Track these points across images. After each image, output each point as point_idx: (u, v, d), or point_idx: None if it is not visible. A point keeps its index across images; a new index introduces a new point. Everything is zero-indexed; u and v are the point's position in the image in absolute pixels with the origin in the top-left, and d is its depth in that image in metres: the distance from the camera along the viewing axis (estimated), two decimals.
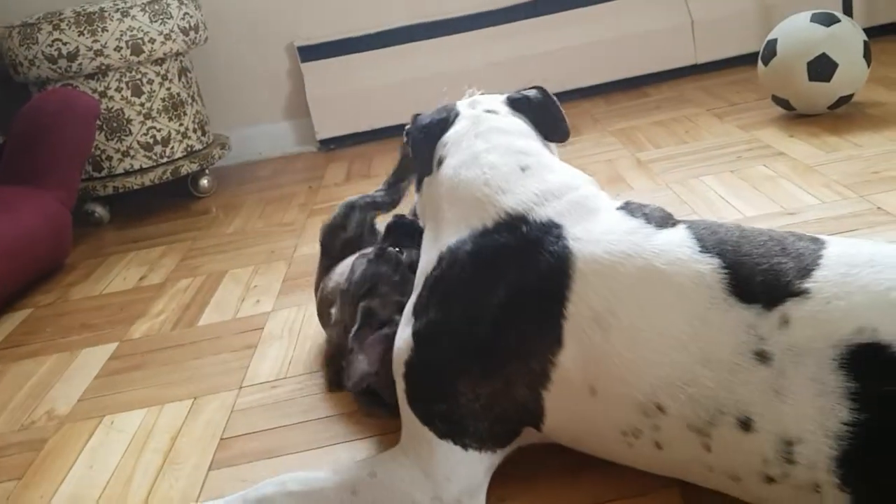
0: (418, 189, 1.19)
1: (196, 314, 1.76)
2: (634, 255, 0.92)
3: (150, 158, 2.56)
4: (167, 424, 1.35)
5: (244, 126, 3.11)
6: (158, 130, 2.57)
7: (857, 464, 0.79)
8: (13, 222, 1.98)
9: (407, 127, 1.22)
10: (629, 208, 1.01)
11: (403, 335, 1.03)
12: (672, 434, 0.89)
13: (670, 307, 0.88)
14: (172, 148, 2.60)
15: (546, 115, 1.21)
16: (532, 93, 1.23)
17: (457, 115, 1.18)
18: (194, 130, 2.68)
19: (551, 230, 0.97)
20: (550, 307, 0.93)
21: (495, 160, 1.07)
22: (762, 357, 0.83)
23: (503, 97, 1.23)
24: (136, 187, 2.53)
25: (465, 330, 0.97)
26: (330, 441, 1.21)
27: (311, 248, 1.99)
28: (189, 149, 2.66)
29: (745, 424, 0.83)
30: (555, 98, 1.23)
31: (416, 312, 1.02)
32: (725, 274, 0.87)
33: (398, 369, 1.03)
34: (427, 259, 1.06)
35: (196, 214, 2.56)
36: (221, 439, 1.27)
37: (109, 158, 2.52)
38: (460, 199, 1.05)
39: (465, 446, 0.99)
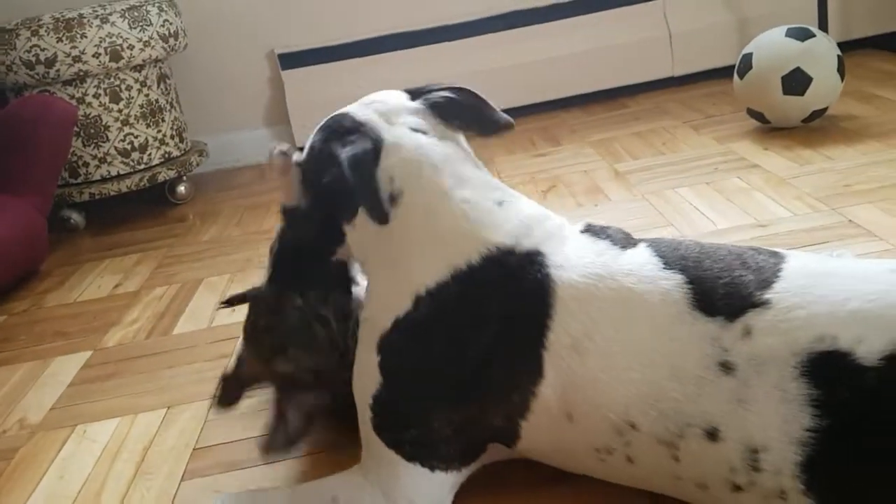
0: (350, 222, 1.05)
1: (171, 323, 1.75)
2: (606, 276, 0.93)
3: (127, 165, 2.55)
4: (140, 434, 1.34)
5: (223, 133, 3.10)
6: (136, 137, 2.55)
7: (820, 469, 0.81)
8: None
9: (326, 169, 1.03)
10: (592, 231, 1.02)
11: (367, 366, 1.00)
12: (643, 449, 0.90)
13: (640, 325, 0.89)
14: (150, 154, 2.59)
15: (479, 112, 1.10)
16: (451, 94, 1.10)
17: (382, 141, 1.03)
18: (172, 137, 2.66)
19: (535, 258, 0.97)
20: (532, 339, 0.93)
21: (470, 195, 1.01)
22: (726, 368, 0.84)
23: (414, 105, 1.08)
24: (112, 193, 2.52)
25: (446, 371, 0.96)
26: (304, 452, 1.21)
27: None
28: (167, 155, 2.64)
29: (712, 435, 0.85)
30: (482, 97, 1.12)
31: (383, 348, 0.99)
32: (689, 289, 0.89)
33: (363, 399, 1.01)
34: (390, 301, 0.99)
35: (173, 221, 2.55)
36: (194, 449, 1.26)
37: (86, 165, 2.51)
38: (436, 236, 1.00)
39: (432, 468, 0.98)
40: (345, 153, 0.99)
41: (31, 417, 1.45)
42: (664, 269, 0.92)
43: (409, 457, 0.97)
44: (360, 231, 1.05)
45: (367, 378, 1.00)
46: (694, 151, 2.31)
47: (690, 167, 2.18)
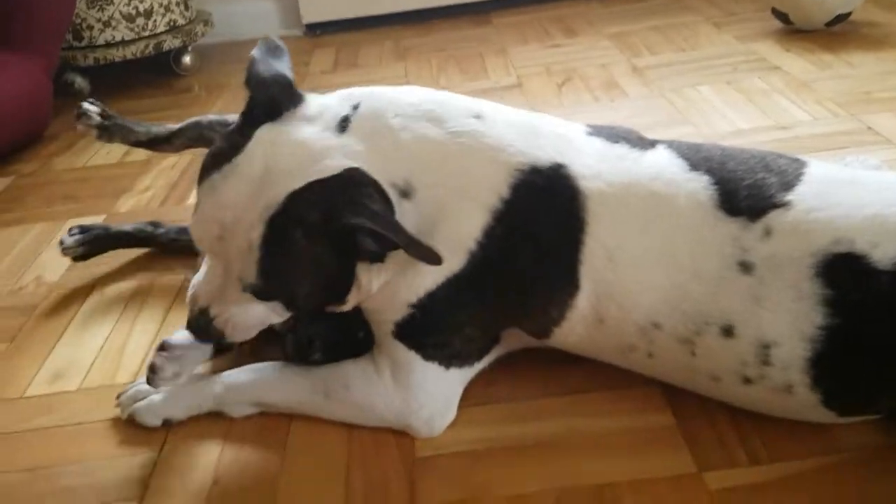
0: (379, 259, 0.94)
1: (184, 192, 1.74)
2: (633, 182, 0.93)
3: (131, 30, 2.47)
4: (160, 296, 1.35)
5: (227, 3, 3.00)
6: (141, 2, 2.47)
7: (827, 365, 0.85)
8: None
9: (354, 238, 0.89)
10: (602, 133, 0.99)
11: (395, 307, 0.96)
12: (663, 346, 0.93)
13: (668, 229, 0.90)
14: (155, 21, 2.51)
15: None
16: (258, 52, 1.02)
17: (359, 170, 0.89)
18: (177, 4, 2.58)
19: (559, 172, 0.93)
20: (569, 255, 0.92)
21: (449, 127, 0.93)
22: (745, 267, 0.86)
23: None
24: (117, 59, 2.45)
25: (490, 301, 0.96)
26: None
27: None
28: (172, 23, 2.56)
29: (727, 331, 0.87)
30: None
31: (427, 298, 0.94)
32: (714, 189, 0.90)
33: (385, 319, 0.98)
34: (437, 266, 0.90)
35: (178, 92, 2.50)
36: None
37: (90, 28, 2.43)
38: (454, 191, 0.92)
39: (447, 366, 0.99)
40: (371, 224, 0.86)
41: (48, 276, 1.46)
42: (689, 170, 0.92)
43: (428, 357, 0.98)
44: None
45: (390, 309, 0.96)
46: (715, 49, 2.26)
47: (711, 65, 2.14)
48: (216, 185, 0.89)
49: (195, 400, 1.05)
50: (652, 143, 0.98)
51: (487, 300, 0.96)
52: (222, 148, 0.91)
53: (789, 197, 0.88)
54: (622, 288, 0.92)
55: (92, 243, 1.40)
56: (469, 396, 1.03)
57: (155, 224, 1.45)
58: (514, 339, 1.04)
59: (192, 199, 1.71)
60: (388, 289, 0.94)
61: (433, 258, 0.87)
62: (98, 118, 1.33)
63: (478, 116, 0.96)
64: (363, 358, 1.02)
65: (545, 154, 0.94)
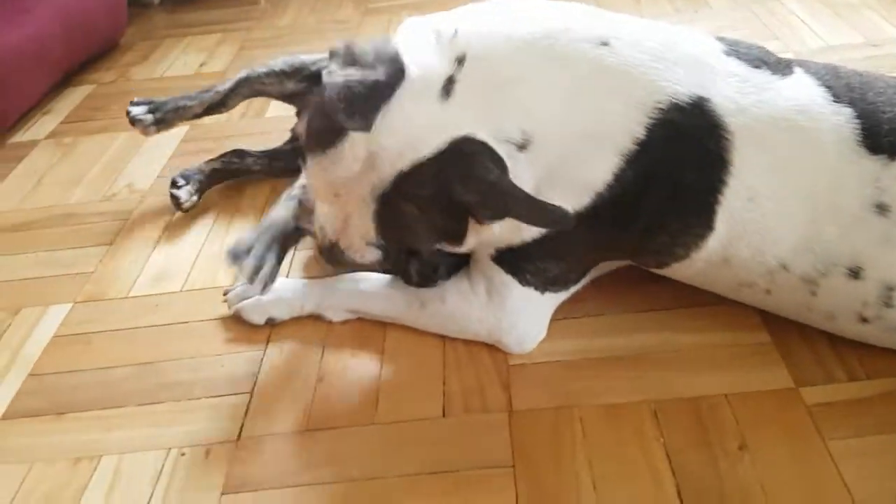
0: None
1: (263, 105, 1.74)
2: (780, 117, 0.87)
3: None
4: (250, 204, 1.38)
5: None
6: None
7: None
8: None
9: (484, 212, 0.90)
10: (738, 53, 0.92)
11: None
12: (784, 285, 0.91)
13: (811, 167, 0.86)
14: None
15: None
16: None
17: (473, 140, 0.86)
18: None
19: (703, 108, 0.87)
20: (708, 198, 0.88)
21: (571, 66, 0.87)
22: (881, 209, 0.84)
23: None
24: None
25: (605, 240, 0.94)
26: None
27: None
28: None
29: (855, 273, 0.86)
30: None
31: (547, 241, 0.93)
32: (857, 124, 0.86)
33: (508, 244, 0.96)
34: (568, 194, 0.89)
35: (246, 4, 2.47)
36: None
37: None
38: (586, 131, 0.88)
39: (543, 291, 0.99)
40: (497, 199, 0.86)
41: (139, 183, 1.50)
42: (833, 101, 0.87)
43: (526, 282, 0.98)
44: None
45: (507, 242, 0.95)
46: None
47: None
48: (325, 167, 0.89)
49: (297, 302, 1.09)
50: (788, 66, 0.92)
51: (602, 239, 0.94)
52: (327, 127, 0.89)
53: None
54: (761, 228, 0.88)
55: (201, 189, 1.40)
56: (560, 310, 1.04)
57: (240, 154, 1.45)
58: (611, 263, 1.04)
59: (270, 111, 1.72)
60: (508, 225, 0.91)
61: (559, 221, 0.85)
62: (149, 116, 1.33)
63: (605, 43, 0.88)
64: (460, 274, 1.04)
65: (685, 88, 0.87)
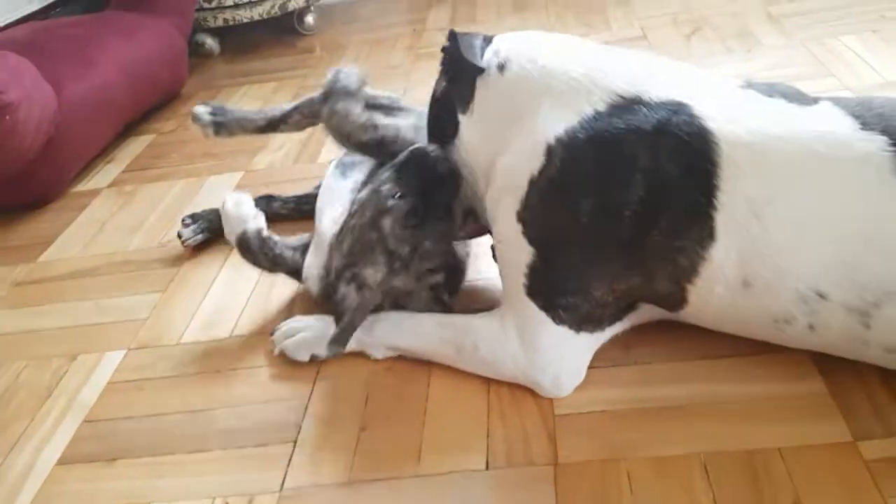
0: (464, 110, 1.05)
1: (316, 150, 1.79)
2: (788, 137, 0.86)
3: None
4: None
5: None
6: None
7: None
8: (134, 47, 2.01)
9: (447, 44, 1.07)
10: (758, 86, 0.93)
11: (511, 238, 0.97)
12: (829, 317, 0.87)
13: (834, 192, 0.84)
14: None
15: None
16: None
17: (491, 37, 1.08)
18: None
19: (678, 109, 0.90)
20: (698, 198, 0.88)
21: (569, 44, 1.01)
22: None
23: None
24: (244, 20, 2.52)
25: (600, 230, 0.93)
26: None
27: (420, 93, 1.97)
28: None
29: None
30: None
31: (524, 213, 0.96)
32: (892, 153, 0.82)
33: (514, 268, 0.99)
34: (520, 162, 0.96)
35: (301, 52, 2.55)
36: None
37: None
38: (553, 88, 0.96)
39: (578, 330, 0.98)
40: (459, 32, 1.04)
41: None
42: (861, 129, 0.85)
43: (560, 320, 0.97)
44: (476, 116, 1.04)
45: (514, 249, 0.98)
46: None
47: (853, 13, 2.01)
48: None
49: None
50: (814, 100, 0.91)
51: (593, 223, 0.93)
52: None
53: None
54: (776, 248, 0.86)
55: (208, 230, 1.46)
56: (607, 357, 1.03)
57: (267, 199, 1.49)
58: (648, 310, 1.02)
59: (322, 157, 1.76)
60: (498, 204, 1.00)
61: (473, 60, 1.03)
62: (209, 117, 1.36)
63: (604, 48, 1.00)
64: (492, 314, 1.04)
65: (660, 91, 0.92)
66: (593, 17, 2.34)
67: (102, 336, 1.27)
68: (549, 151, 0.93)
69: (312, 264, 1.17)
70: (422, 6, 2.83)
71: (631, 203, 0.90)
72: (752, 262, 0.88)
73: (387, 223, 1.05)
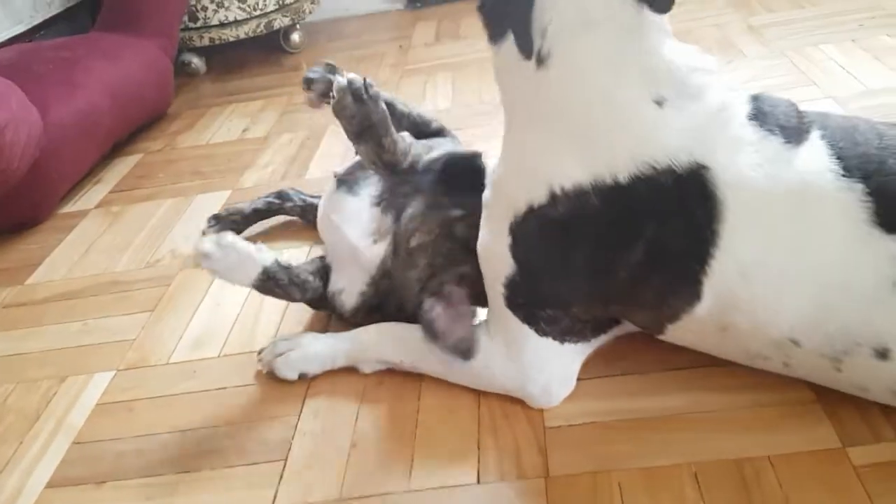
0: (496, 46, 0.93)
1: (303, 167, 1.79)
2: (780, 192, 0.84)
3: (243, 10, 2.54)
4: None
5: None
6: None
7: None
8: (119, 68, 2.01)
9: None
10: (762, 116, 0.88)
11: (498, 246, 0.96)
12: (803, 359, 0.88)
13: (814, 245, 0.83)
14: (265, 0, 2.57)
15: None
16: None
17: None
18: None
19: (700, 178, 0.85)
20: (694, 266, 0.86)
21: (626, 97, 0.86)
22: None
23: None
24: (230, 39, 2.53)
25: (589, 279, 0.92)
26: None
27: (407, 108, 1.98)
28: (280, 2, 2.62)
29: (882, 354, 0.82)
30: None
31: (517, 234, 0.93)
32: (869, 202, 0.81)
33: (494, 277, 0.98)
34: (531, 180, 0.91)
35: (288, 70, 2.56)
36: None
37: (205, 9, 2.51)
38: (577, 129, 0.88)
39: (562, 341, 0.99)
40: None
41: (182, 248, 1.54)
42: (843, 176, 0.83)
43: (542, 332, 0.97)
44: (502, 58, 0.93)
45: (498, 259, 0.97)
46: (837, 5, 2.15)
47: (833, 22, 2.04)
48: None
49: (329, 355, 1.11)
50: (806, 129, 0.88)
51: (585, 273, 0.92)
52: None
53: None
54: (755, 303, 0.85)
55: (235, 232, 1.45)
56: (596, 369, 1.03)
57: (282, 196, 1.52)
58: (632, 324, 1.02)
59: (310, 173, 1.76)
60: (494, 197, 0.97)
61: (523, 40, 0.87)
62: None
63: (659, 103, 0.86)
64: (480, 327, 1.04)
65: (690, 157, 0.85)
66: None
67: (90, 357, 1.27)
68: (553, 196, 0.89)
69: (345, 282, 1.16)
70: (407, 23, 2.85)
71: (629, 265, 0.89)
72: (732, 313, 0.88)
73: (459, 229, 1.07)
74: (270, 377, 1.13)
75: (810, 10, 2.15)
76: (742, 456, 0.88)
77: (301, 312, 1.26)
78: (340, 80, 1.09)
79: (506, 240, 0.95)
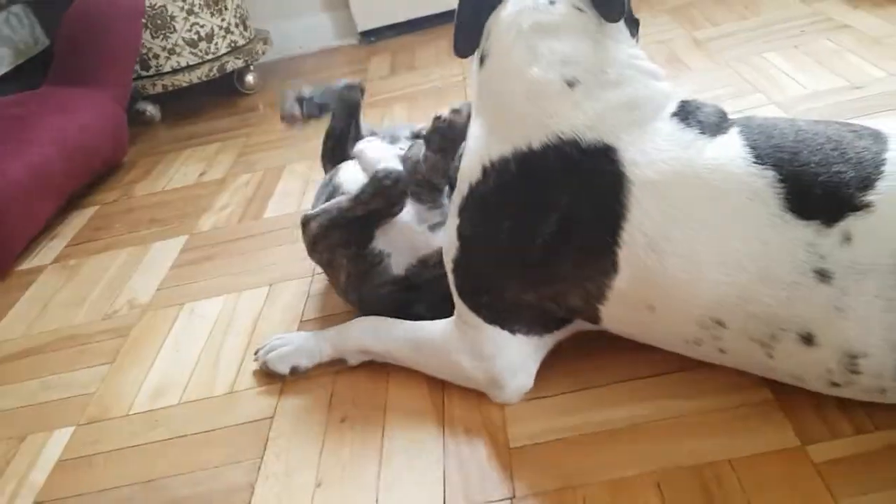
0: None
1: (261, 207, 1.79)
2: (688, 174, 0.87)
3: (195, 55, 2.55)
4: (246, 310, 1.40)
5: (283, 20, 3.06)
6: (202, 26, 2.54)
7: None
8: (71, 121, 2.00)
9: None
10: (684, 114, 0.93)
11: (450, 230, 1.04)
12: (734, 344, 0.89)
13: (726, 227, 0.84)
14: (216, 44, 2.58)
15: None
16: None
17: None
18: (236, 25, 2.64)
19: (605, 155, 0.91)
20: (605, 236, 0.90)
21: (537, 74, 0.95)
22: (823, 275, 0.80)
23: None
24: (184, 84, 2.53)
25: (513, 250, 0.97)
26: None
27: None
28: (233, 44, 2.63)
29: (808, 339, 0.83)
30: None
31: (461, 212, 1.01)
32: (781, 188, 0.82)
33: (447, 262, 1.05)
34: (472, 162, 1.00)
35: (244, 111, 2.56)
36: (301, 321, 1.32)
37: (156, 57, 2.51)
38: (503, 110, 0.98)
39: (512, 332, 1.02)
40: None
41: (140, 298, 1.52)
42: (755, 162, 0.85)
43: (489, 320, 1.02)
44: (476, 77, 1.05)
45: (449, 243, 1.04)
46: (778, 14, 2.20)
47: (776, 31, 2.08)
48: None
49: (316, 348, 1.18)
50: (726, 127, 0.91)
51: (509, 241, 0.97)
52: None
53: (870, 197, 0.79)
54: (672, 278, 0.88)
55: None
56: (553, 386, 1.04)
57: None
58: (583, 323, 1.03)
59: (268, 212, 1.75)
60: (457, 185, 1.04)
61: (458, 42, 1.05)
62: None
63: (570, 84, 0.94)
64: (447, 320, 1.08)
65: (595, 134, 0.91)
66: None
67: (50, 414, 1.24)
68: (485, 171, 0.98)
69: (391, 249, 1.18)
70: (361, 58, 2.87)
71: (543, 234, 0.94)
72: (653, 290, 0.90)
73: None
74: (234, 419, 1.12)
75: (753, 21, 2.20)
76: (703, 461, 0.88)
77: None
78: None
79: (455, 221, 1.02)
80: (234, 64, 2.60)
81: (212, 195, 1.93)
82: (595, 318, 0.99)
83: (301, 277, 1.45)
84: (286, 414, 1.12)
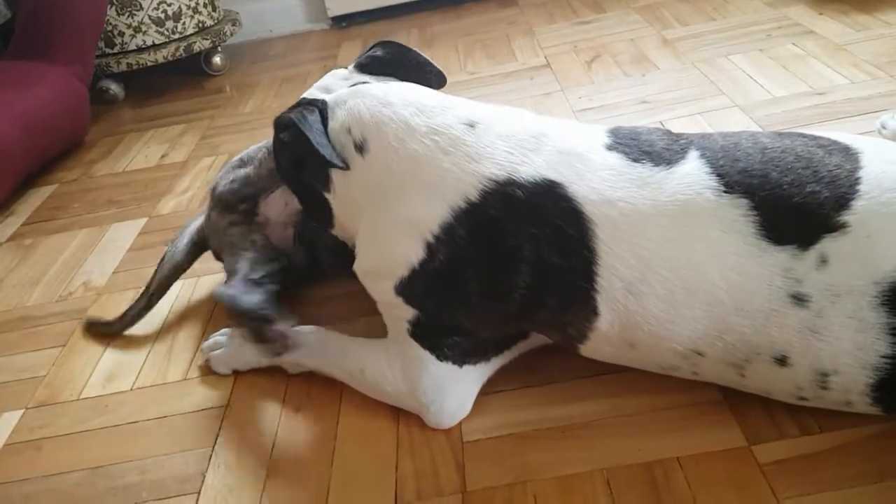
0: (326, 189, 1.02)
1: None
2: (652, 213, 0.84)
3: (162, 34, 2.51)
4: (203, 296, 1.38)
5: (253, 1, 3.02)
6: (169, 5, 2.50)
7: (891, 388, 0.80)
8: (30, 97, 1.96)
9: (281, 135, 1.01)
10: (622, 146, 0.90)
11: (392, 305, 0.97)
12: (709, 368, 0.90)
13: (701, 263, 0.83)
14: (184, 24, 2.54)
15: (409, 66, 1.11)
16: (378, 51, 1.12)
17: (325, 102, 1.00)
18: (205, 5, 2.60)
19: (552, 191, 0.87)
20: (581, 284, 0.87)
21: (434, 123, 0.93)
22: (799, 299, 0.80)
23: (349, 68, 1.13)
24: (149, 64, 2.49)
25: (490, 306, 0.93)
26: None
27: None
28: (200, 25, 2.59)
29: (781, 361, 0.83)
30: (407, 46, 1.12)
31: (407, 293, 0.95)
32: (755, 216, 0.81)
33: (396, 318, 0.99)
34: (400, 245, 0.93)
35: (211, 93, 2.53)
36: None
37: (122, 34, 2.47)
38: (420, 177, 0.92)
39: (462, 364, 0.99)
40: (299, 120, 0.96)
41: (96, 280, 1.50)
42: (724, 192, 0.83)
43: (444, 357, 0.97)
44: (340, 194, 1.01)
45: (396, 309, 0.97)
46: (746, 17, 2.23)
47: (742, 34, 2.11)
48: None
49: (254, 359, 1.15)
50: (682, 151, 0.89)
51: (484, 302, 0.92)
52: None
53: (845, 217, 0.78)
54: (652, 319, 0.86)
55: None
56: (511, 380, 1.04)
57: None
58: (539, 338, 1.02)
59: None
60: (369, 280, 1.01)
61: (332, 158, 0.94)
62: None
63: (471, 126, 0.93)
64: (381, 345, 1.04)
65: (530, 170, 0.89)
66: (500, 50, 2.39)
67: None
68: (429, 247, 0.91)
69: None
70: (331, 43, 2.84)
71: (519, 287, 0.90)
72: (634, 331, 0.89)
73: None
74: (186, 407, 1.11)
75: (721, 23, 2.22)
76: (652, 458, 0.90)
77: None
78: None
79: (396, 300, 0.96)
80: (201, 45, 2.57)
81: (173, 178, 1.90)
82: (574, 350, 0.97)
83: None
84: (240, 403, 1.11)
